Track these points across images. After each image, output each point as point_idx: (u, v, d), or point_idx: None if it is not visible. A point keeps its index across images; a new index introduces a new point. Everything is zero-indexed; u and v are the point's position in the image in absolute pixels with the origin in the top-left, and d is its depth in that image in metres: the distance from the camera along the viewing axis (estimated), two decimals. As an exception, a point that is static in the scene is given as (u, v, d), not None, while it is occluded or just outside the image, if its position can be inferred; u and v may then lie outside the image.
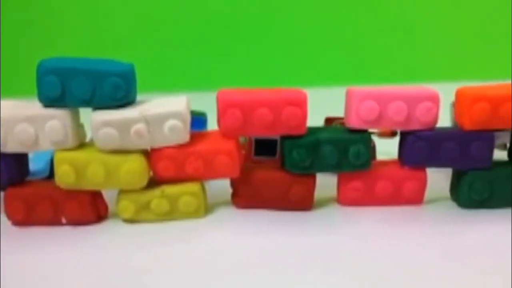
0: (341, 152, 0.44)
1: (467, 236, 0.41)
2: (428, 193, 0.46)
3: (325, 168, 0.45)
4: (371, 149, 0.55)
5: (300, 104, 0.43)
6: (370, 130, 0.45)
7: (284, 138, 0.45)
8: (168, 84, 1.05)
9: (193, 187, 0.44)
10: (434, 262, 0.37)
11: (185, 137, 0.43)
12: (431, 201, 0.47)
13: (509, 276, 0.35)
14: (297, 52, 1.10)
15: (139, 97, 0.44)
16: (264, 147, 0.50)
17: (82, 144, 0.43)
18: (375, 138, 0.54)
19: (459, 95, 0.44)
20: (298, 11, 1.10)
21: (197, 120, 0.52)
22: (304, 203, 0.46)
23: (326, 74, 1.09)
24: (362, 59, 1.10)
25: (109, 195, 0.45)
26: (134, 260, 0.38)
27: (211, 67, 1.09)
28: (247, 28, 1.09)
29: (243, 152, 0.49)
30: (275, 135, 0.45)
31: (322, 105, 0.55)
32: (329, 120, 0.57)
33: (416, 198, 0.46)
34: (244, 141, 0.53)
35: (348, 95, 0.45)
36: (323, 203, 0.47)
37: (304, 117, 0.43)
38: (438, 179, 0.48)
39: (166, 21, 1.09)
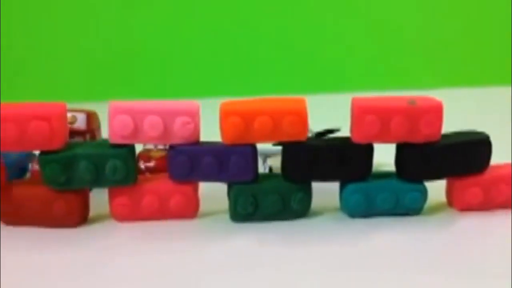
0: (97, 167, 0.43)
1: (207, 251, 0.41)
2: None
3: (83, 184, 0.43)
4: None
5: (48, 118, 0.42)
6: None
7: (41, 153, 0.43)
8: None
9: None
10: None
11: None
12: (208, 214, 0.47)
13: None
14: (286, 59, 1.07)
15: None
16: None
17: None
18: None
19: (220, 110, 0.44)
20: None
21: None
22: (68, 220, 0.44)
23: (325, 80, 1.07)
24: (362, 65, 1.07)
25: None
26: None
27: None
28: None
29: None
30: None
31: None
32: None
33: (186, 212, 0.46)
34: None
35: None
36: (99, 219, 0.46)
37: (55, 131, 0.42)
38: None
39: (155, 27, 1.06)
